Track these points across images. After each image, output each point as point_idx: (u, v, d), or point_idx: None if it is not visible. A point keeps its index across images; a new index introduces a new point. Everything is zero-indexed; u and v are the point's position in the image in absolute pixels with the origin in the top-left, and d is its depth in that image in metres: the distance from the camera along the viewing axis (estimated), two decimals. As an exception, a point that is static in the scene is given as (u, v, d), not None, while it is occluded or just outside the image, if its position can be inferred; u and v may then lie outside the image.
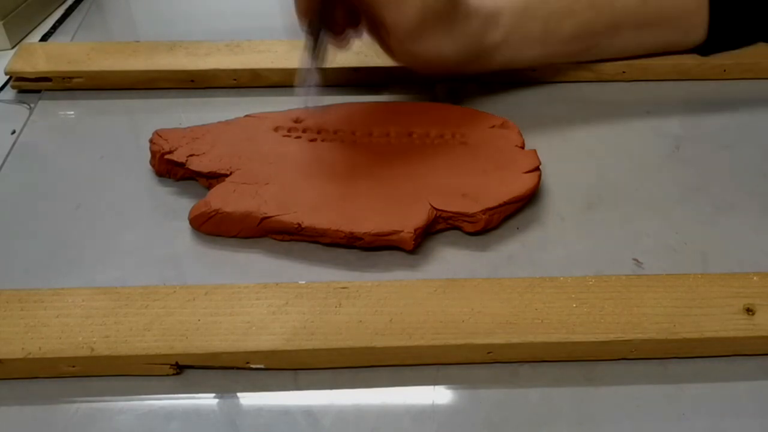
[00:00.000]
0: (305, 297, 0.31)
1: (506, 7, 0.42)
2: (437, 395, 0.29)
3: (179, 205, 0.38)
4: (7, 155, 0.42)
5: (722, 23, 0.46)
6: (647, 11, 0.45)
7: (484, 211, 0.35)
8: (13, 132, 0.44)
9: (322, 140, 0.40)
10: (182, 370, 0.30)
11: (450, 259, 0.35)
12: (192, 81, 0.47)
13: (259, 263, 0.35)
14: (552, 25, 0.43)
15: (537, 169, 0.38)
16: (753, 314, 0.30)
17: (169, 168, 0.39)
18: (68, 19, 0.58)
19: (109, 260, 0.35)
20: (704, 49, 0.48)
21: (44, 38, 0.55)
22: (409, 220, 0.34)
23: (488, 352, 0.30)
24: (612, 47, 0.46)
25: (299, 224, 0.34)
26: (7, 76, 0.47)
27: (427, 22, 0.38)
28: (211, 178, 0.38)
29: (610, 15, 0.44)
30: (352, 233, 0.34)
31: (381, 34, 0.40)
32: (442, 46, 0.39)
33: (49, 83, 0.47)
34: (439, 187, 0.37)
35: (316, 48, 0.39)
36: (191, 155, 0.38)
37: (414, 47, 0.39)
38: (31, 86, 0.47)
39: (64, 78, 0.46)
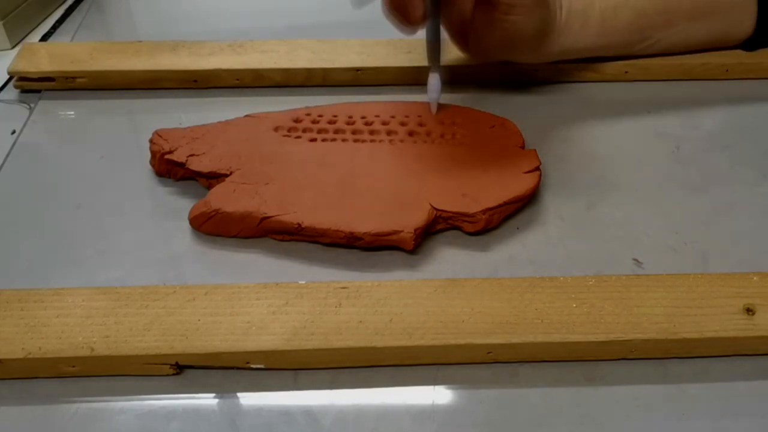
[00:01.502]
0: (305, 297, 0.31)
1: None
2: (437, 395, 0.29)
3: (179, 205, 0.38)
4: (7, 155, 0.42)
5: None
6: (698, 2, 0.46)
7: (484, 211, 0.35)
8: (13, 132, 0.44)
9: (322, 140, 0.40)
10: (182, 370, 0.30)
11: (450, 259, 0.35)
12: (195, 81, 0.47)
13: (259, 263, 0.35)
14: (608, 13, 0.45)
15: (537, 169, 0.38)
16: (753, 314, 0.30)
17: (169, 168, 0.39)
18: (68, 19, 0.58)
19: (109, 260, 0.35)
20: (752, 42, 0.49)
21: (44, 38, 0.55)
22: (409, 220, 0.34)
23: (488, 352, 0.30)
24: (666, 41, 0.47)
25: (299, 224, 0.34)
26: (8, 76, 0.47)
27: None
28: (211, 178, 0.38)
29: (663, 4, 0.46)
30: (352, 233, 0.34)
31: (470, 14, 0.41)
32: (531, 21, 0.40)
33: (52, 83, 0.47)
34: (439, 187, 0.37)
35: (436, 46, 0.41)
36: (191, 155, 0.38)
37: (512, 18, 0.40)
38: (34, 86, 0.47)
39: (67, 78, 0.46)
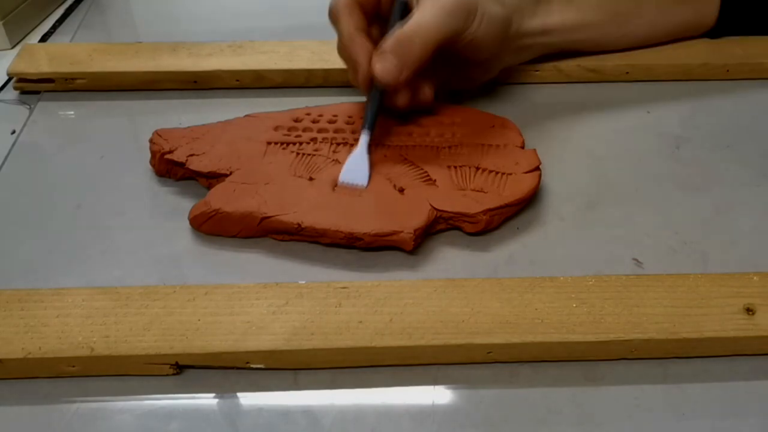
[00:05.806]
0: (305, 297, 0.31)
1: None
2: (437, 395, 0.29)
3: (179, 205, 0.38)
4: (7, 155, 0.42)
5: (733, 6, 0.49)
6: None
7: (484, 212, 0.35)
8: (13, 132, 0.44)
9: (323, 140, 0.40)
10: (182, 370, 0.30)
11: (450, 259, 0.35)
12: (195, 82, 0.47)
13: (259, 263, 0.35)
14: None
15: (537, 169, 0.38)
16: (753, 314, 0.30)
17: (169, 168, 0.39)
18: (68, 19, 0.58)
19: (109, 260, 0.35)
20: (715, 31, 0.50)
21: (44, 38, 0.55)
22: (409, 221, 0.34)
23: (488, 352, 0.30)
24: (638, 28, 0.48)
25: (299, 224, 0.34)
26: (8, 77, 0.47)
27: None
28: (211, 178, 0.38)
29: None
30: (352, 233, 0.34)
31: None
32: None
33: (52, 84, 0.47)
34: (439, 187, 0.37)
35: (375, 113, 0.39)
36: (191, 155, 0.38)
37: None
38: (33, 87, 0.47)
39: (66, 79, 0.46)
